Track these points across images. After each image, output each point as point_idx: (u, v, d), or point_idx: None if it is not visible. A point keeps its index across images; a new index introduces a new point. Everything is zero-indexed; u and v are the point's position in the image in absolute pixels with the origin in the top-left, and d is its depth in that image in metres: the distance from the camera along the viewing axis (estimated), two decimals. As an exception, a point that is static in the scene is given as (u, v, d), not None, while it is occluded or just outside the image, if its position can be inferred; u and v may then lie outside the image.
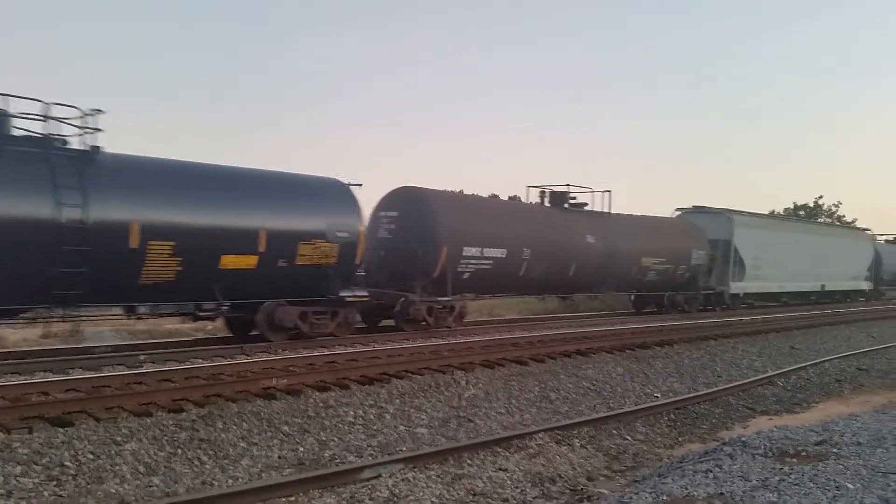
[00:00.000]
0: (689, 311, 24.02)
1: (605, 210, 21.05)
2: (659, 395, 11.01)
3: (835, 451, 6.65)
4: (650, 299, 24.00)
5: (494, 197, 21.68)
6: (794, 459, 6.42)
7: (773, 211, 51.24)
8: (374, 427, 8.26)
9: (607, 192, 21.01)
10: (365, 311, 15.45)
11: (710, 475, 5.96)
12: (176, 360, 11.16)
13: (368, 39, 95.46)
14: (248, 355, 11.77)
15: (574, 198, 20.76)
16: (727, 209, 27.49)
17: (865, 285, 36.81)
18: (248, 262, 12.16)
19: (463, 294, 17.11)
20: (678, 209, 27.79)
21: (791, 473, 5.76)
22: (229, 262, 11.90)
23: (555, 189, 20.42)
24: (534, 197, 20.56)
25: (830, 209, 54.72)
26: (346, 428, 8.15)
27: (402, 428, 8.30)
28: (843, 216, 54.36)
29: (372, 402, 9.21)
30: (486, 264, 16.81)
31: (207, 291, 11.82)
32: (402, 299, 15.31)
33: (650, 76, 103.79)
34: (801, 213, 54.08)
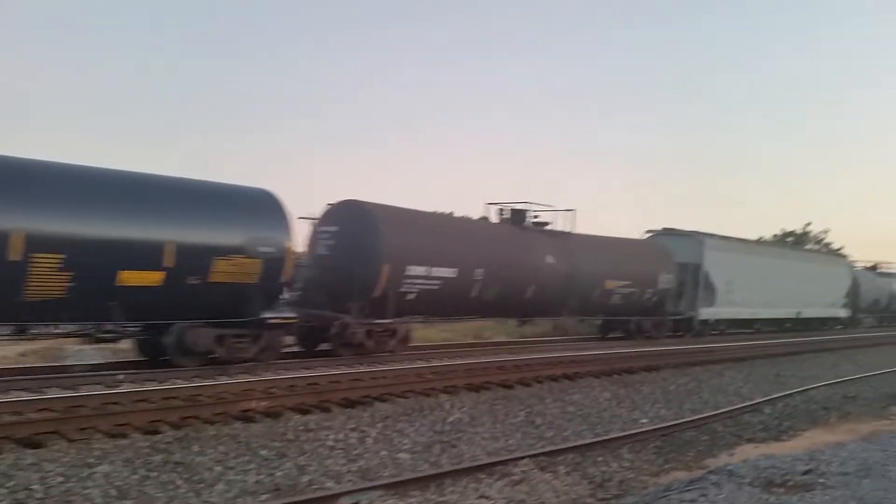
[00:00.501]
0: (656, 337, 22.65)
1: (569, 230, 20.21)
2: (646, 421, 10.87)
3: (821, 480, 6.56)
4: (616, 324, 22.63)
5: (465, 217, 21.39)
6: (780, 489, 6.31)
7: (762, 237, 51.70)
8: (355, 451, 8.09)
9: (571, 212, 20.16)
10: (302, 335, 14.62)
11: (696, 505, 5.84)
12: (156, 380, 10.94)
13: (327, 60, 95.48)
14: (228, 377, 11.57)
15: (538, 216, 19.84)
16: (698, 231, 26.32)
17: (843, 313, 35.55)
18: (153, 278, 10.98)
19: (409, 316, 15.91)
20: (648, 231, 26.78)
21: (778, 504, 5.66)
22: (129, 278, 10.74)
23: (515, 207, 19.47)
24: (499, 215, 19.73)
25: (818, 237, 55.19)
26: (326, 452, 7.97)
27: (383, 453, 8.13)
28: (831, 243, 54.81)
29: (353, 426, 9.03)
30: (434, 285, 15.62)
31: (105, 311, 10.69)
32: (338, 321, 14.14)
33: (630, 93, 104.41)
34: (790, 239, 54.48)
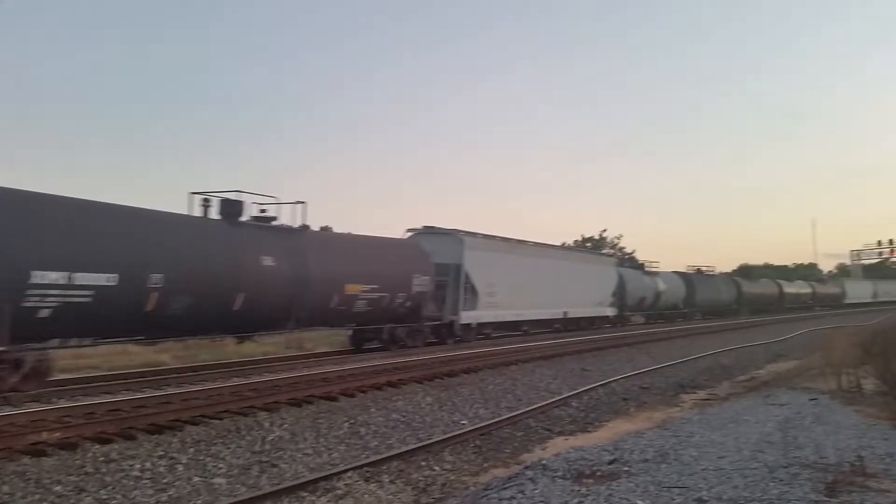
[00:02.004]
0: (413, 345, 20.49)
1: (300, 226, 17.21)
2: (466, 423, 11.12)
3: (626, 468, 7.03)
4: (371, 334, 19.98)
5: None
6: (590, 480, 6.68)
7: (564, 243, 55.45)
8: (164, 480, 7.47)
9: (301, 204, 17.09)
10: None
11: (514, 501, 6.01)
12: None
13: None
14: (14, 406, 10.26)
15: (266, 210, 16.69)
16: (458, 230, 24.25)
17: (610, 311, 34.66)
18: None
19: (42, 340, 11.69)
20: (409, 230, 24.18)
21: (588, 495, 5.97)
22: None
23: (227, 197, 15.64)
24: (202, 207, 15.54)
25: (613, 241, 60.30)
26: (132, 483, 7.29)
27: (196, 479, 7.59)
28: (624, 248, 60.02)
29: (162, 453, 8.35)
30: (82, 296, 11.65)
31: None
32: None
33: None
34: (588, 244, 58.94)
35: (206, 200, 15.44)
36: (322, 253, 17.56)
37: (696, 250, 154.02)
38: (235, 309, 14.74)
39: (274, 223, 16.83)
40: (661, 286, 40.99)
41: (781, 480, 6.44)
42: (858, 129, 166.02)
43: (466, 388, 14.06)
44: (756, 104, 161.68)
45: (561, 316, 29.78)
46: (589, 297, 32.48)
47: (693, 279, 46.45)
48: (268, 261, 15.58)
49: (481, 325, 24.38)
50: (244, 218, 16.01)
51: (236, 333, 16.09)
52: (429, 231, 24.14)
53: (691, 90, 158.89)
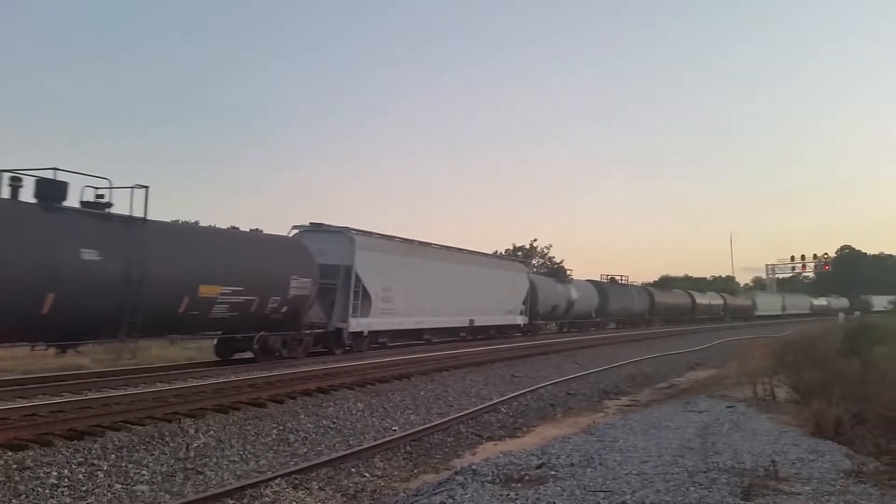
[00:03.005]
0: (290, 356, 18.14)
1: (140, 216, 14.27)
2: (397, 429, 11.09)
3: (553, 473, 7.15)
4: (243, 343, 17.51)
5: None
6: (518, 484, 6.76)
7: (496, 251, 56.00)
8: (83, 488, 7.16)
9: (143, 189, 14.25)
10: None
11: (445, 508, 6.03)
12: None
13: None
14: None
15: (104, 196, 13.95)
16: (349, 228, 21.82)
17: (520, 320, 33.06)
18: None
19: None
20: (295, 227, 21.67)
21: (517, 499, 6.04)
22: None
23: (42, 177, 12.87)
24: (10, 188, 12.65)
25: (543, 251, 61.34)
26: (48, 492, 6.96)
27: (117, 486, 7.31)
28: (553, 257, 61.11)
29: (81, 460, 7.99)
30: None
31: None
32: None
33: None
34: (519, 254, 59.77)
35: (14, 179, 12.62)
36: (167, 248, 14.78)
37: (624, 261, 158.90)
38: (43, 313, 12.11)
39: (109, 210, 14.04)
40: (574, 294, 39.88)
41: (701, 485, 6.67)
42: (781, 152, 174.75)
43: (398, 394, 14.02)
44: (682, 124, 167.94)
45: (467, 324, 27.95)
46: (498, 304, 30.85)
47: (606, 288, 45.75)
48: (90, 254, 12.92)
49: (375, 333, 22.20)
50: (69, 203, 13.31)
51: (48, 342, 13.11)
52: (316, 229, 21.71)
53: (621, 105, 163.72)
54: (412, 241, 25.65)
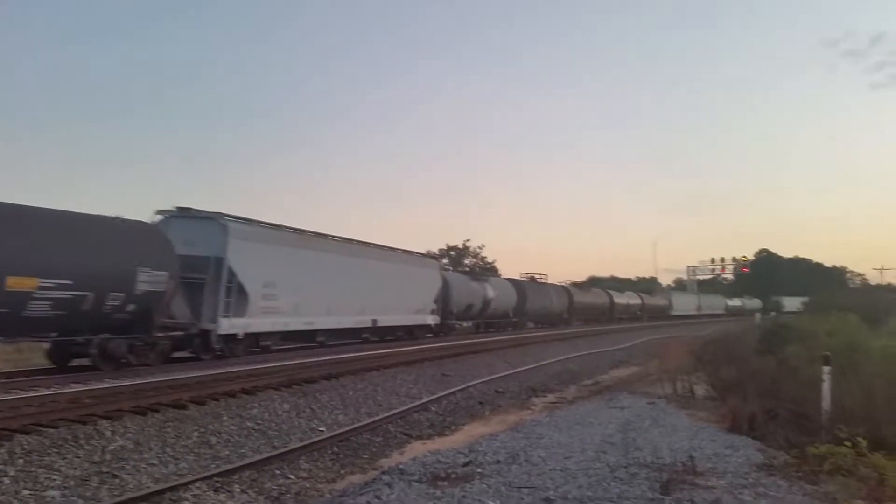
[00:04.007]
0: (142, 364, 15.29)
1: None
2: (324, 430, 10.95)
3: (479, 470, 7.19)
4: (81, 348, 14.66)
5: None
6: (445, 483, 6.77)
7: (428, 251, 56.04)
8: (-13, 496, 6.77)
9: None
10: None
11: (370, 507, 5.98)
12: None
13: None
14: None
15: None
16: (222, 214, 18.87)
17: (431, 320, 30.72)
18: None
19: None
20: (159, 212, 18.65)
21: (443, 497, 6.04)
22: None
23: None
24: None
25: (475, 251, 61.93)
26: (-54, 501, 6.55)
27: (25, 492, 6.94)
28: (486, 257, 61.75)
29: (-15, 466, 7.57)
30: None
31: None
32: None
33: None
34: (452, 253, 60.13)
35: None
36: None
37: (555, 262, 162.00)
38: None
39: None
40: (491, 293, 37.89)
41: (622, 480, 6.83)
42: (707, 158, 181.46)
43: (326, 394, 13.84)
44: (613, 131, 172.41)
45: (369, 324, 25.49)
46: (406, 303, 28.44)
47: (525, 287, 44.09)
48: None
49: (254, 335, 19.45)
50: None
51: None
52: (184, 214, 18.69)
53: (556, 106, 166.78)
54: (304, 231, 22.72)
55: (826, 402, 8.90)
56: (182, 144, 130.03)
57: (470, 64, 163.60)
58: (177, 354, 17.43)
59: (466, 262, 60.14)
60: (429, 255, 32.87)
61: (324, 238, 23.76)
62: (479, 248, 62.88)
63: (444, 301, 31.91)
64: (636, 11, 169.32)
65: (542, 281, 49.41)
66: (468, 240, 63.19)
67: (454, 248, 61.53)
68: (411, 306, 29.14)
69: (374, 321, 25.68)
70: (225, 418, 10.90)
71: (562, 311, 50.02)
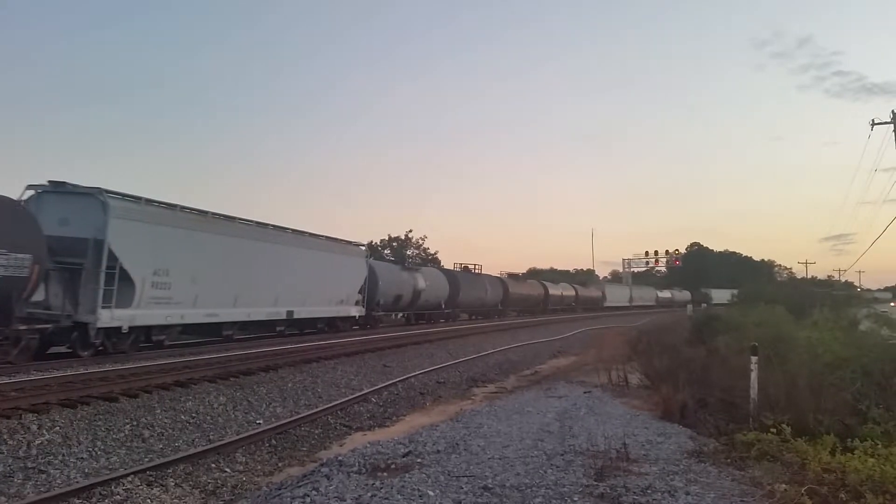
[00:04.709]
0: (5, 362, 13.46)
1: None
2: (262, 422, 10.77)
3: (419, 460, 7.19)
4: None
5: None
6: (384, 473, 6.74)
7: (371, 241, 55.66)
8: None
9: None
10: None
11: (308, 499, 5.91)
12: None
13: None
14: None
15: None
16: (101, 189, 16.36)
17: (356, 311, 29.02)
18: None
19: None
20: (30, 186, 16.40)
21: (382, 488, 6.02)
22: None
23: None
24: None
25: (418, 242, 61.88)
26: None
27: (-58, 492, 6.62)
28: (428, 248, 61.77)
29: None
30: None
31: None
32: None
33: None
34: (394, 244, 59.94)
35: None
36: None
37: (496, 253, 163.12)
38: None
39: None
40: (422, 283, 36.48)
41: (558, 467, 6.94)
42: (641, 154, 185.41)
43: (264, 386, 13.61)
44: (556, 124, 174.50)
45: (284, 316, 23.56)
46: (326, 293, 26.57)
47: (458, 277, 42.50)
48: None
49: (143, 329, 17.28)
50: None
51: None
52: (57, 189, 16.30)
53: (501, 96, 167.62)
54: (206, 212, 20.19)
55: (754, 391, 9.21)
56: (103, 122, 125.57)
57: (413, 57, 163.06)
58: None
59: (409, 252, 60.02)
60: (355, 244, 30.23)
61: (231, 221, 21.26)
62: (422, 238, 62.90)
63: (370, 291, 30.48)
64: (571, 8, 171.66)
65: (478, 272, 48.04)
66: (410, 230, 63.12)
67: (396, 238, 61.37)
68: (333, 297, 27.38)
69: (290, 313, 23.89)
70: (158, 411, 10.60)
71: (496, 302, 49.09)
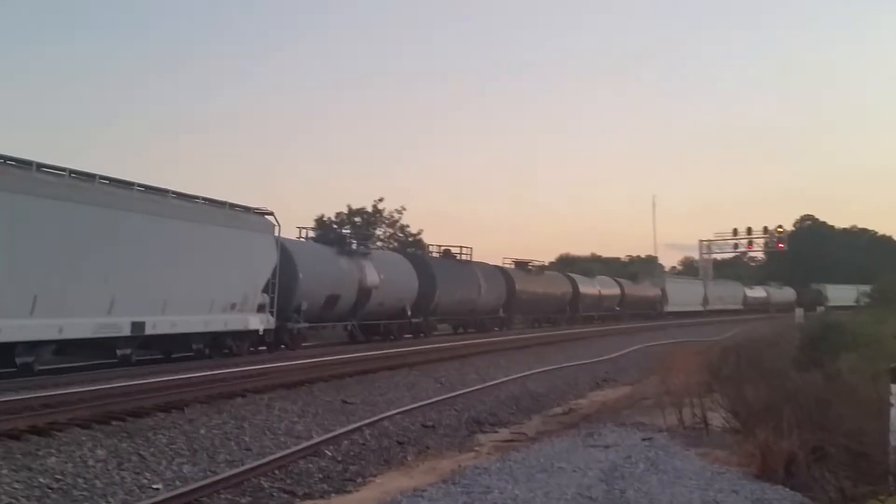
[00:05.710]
0: None
1: None
2: (160, 487, 10.75)
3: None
4: None
5: None
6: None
7: (323, 216, 55.13)
8: None
9: None
10: None
11: None
12: None
13: None
14: None
15: None
16: None
17: (257, 322, 26.26)
18: None
19: None
20: None
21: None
22: None
23: None
24: None
25: (392, 216, 61.23)
26: None
27: None
28: (408, 226, 61.35)
29: None
30: None
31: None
32: None
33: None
34: (358, 219, 59.48)
35: None
36: None
37: (514, 238, 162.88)
38: None
39: None
40: (373, 277, 33.69)
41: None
42: (735, 86, 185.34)
43: (164, 433, 13.57)
44: (585, 40, 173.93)
45: (128, 332, 21.09)
46: (205, 291, 23.99)
47: (433, 268, 39.90)
48: None
49: None
50: None
51: None
52: None
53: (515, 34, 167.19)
54: None
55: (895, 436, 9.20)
56: None
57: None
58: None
59: (379, 232, 59.64)
60: (255, 210, 27.41)
61: (25, 168, 18.58)
62: (398, 211, 61.84)
63: (284, 289, 27.81)
64: None
65: (466, 259, 45.51)
66: (381, 199, 61.40)
67: (360, 211, 60.34)
68: (219, 298, 24.57)
69: (139, 326, 21.35)
70: (4, 471, 10.55)
71: (496, 305, 47.27)
